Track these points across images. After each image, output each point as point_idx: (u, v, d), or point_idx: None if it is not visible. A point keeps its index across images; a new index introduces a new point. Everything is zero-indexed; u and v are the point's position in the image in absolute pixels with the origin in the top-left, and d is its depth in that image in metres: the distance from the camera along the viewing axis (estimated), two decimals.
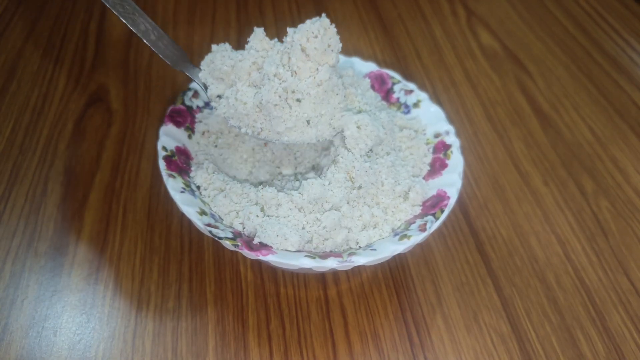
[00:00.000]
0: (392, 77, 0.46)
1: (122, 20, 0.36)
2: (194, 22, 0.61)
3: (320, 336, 0.37)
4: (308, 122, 0.35)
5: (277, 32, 0.60)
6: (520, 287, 0.40)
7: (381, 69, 0.47)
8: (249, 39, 0.36)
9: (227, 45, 0.37)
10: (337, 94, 0.35)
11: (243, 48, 0.59)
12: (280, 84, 0.34)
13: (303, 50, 0.34)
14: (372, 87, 0.46)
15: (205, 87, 0.38)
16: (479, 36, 0.63)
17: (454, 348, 0.37)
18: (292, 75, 0.34)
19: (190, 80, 0.52)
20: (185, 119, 0.42)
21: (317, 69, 0.34)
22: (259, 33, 0.36)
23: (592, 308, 0.39)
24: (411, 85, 0.45)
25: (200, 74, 0.38)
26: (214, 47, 0.37)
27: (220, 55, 0.36)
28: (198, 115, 0.42)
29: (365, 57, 0.57)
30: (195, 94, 0.43)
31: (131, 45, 0.57)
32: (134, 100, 0.51)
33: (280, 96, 0.34)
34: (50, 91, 0.51)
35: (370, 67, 0.47)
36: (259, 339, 0.36)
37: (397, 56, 0.59)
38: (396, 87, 0.46)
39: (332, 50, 0.34)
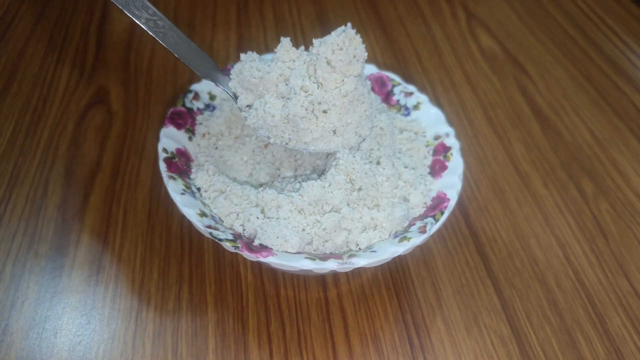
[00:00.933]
0: (392, 80, 0.46)
1: (151, 35, 0.37)
2: (195, 24, 0.61)
3: (320, 338, 0.37)
4: (334, 131, 0.35)
5: (276, 34, 0.61)
6: (520, 289, 0.40)
7: (381, 71, 0.47)
8: (276, 50, 0.36)
9: (254, 55, 0.37)
10: (362, 103, 0.35)
11: (244, 50, 0.59)
12: (307, 97, 0.34)
13: (328, 62, 0.34)
14: (372, 89, 0.46)
15: (235, 97, 0.38)
16: (479, 38, 0.63)
17: (454, 350, 0.37)
18: (318, 87, 0.34)
19: (191, 81, 0.53)
20: (185, 120, 0.42)
21: (343, 80, 0.34)
22: (285, 43, 0.36)
23: (592, 310, 0.39)
24: (411, 88, 0.45)
25: (230, 84, 0.38)
26: (242, 56, 0.37)
27: (248, 66, 0.36)
28: (198, 117, 0.43)
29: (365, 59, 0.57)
30: (196, 96, 0.43)
31: (132, 46, 0.57)
32: (135, 102, 0.51)
33: (306, 109, 0.34)
34: (51, 93, 0.51)
35: (371, 69, 0.47)
36: (259, 341, 0.36)
37: (397, 58, 0.59)
38: (396, 90, 0.46)
39: (357, 61, 0.34)
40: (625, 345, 0.38)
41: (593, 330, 0.38)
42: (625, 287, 0.41)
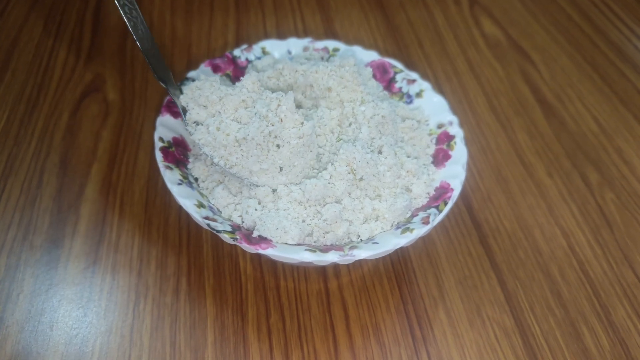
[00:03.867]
0: (394, 66, 0.45)
1: (124, 20, 0.37)
2: (192, 11, 0.60)
3: (320, 330, 0.36)
4: (281, 168, 0.35)
5: (276, 20, 0.59)
6: (524, 280, 0.40)
7: (383, 57, 0.46)
8: (242, 78, 0.38)
9: (216, 77, 0.38)
10: (311, 151, 0.36)
11: (241, 38, 0.58)
12: (267, 126, 0.35)
13: (294, 100, 0.35)
14: (374, 76, 0.45)
15: (184, 111, 0.38)
16: (482, 25, 0.62)
17: (457, 342, 0.36)
18: (278, 122, 0.35)
19: (188, 69, 0.52)
20: None
21: (302, 123, 0.35)
22: (253, 76, 0.37)
23: (596, 301, 0.39)
24: (413, 75, 0.44)
25: (181, 97, 0.38)
26: (202, 76, 0.38)
27: (209, 84, 0.37)
28: None
29: (367, 45, 0.56)
30: None
31: (128, 34, 0.56)
32: (131, 91, 0.50)
33: (264, 137, 0.34)
34: (45, 81, 0.50)
35: (372, 55, 0.46)
36: (259, 333, 0.36)
37: (398, 45, 0.58)
38: (398, 77, 0.45)
39: None
40: (630, 337, 0.37)
41: (597, 322, 0.38)
42: (630, 277, 0.40)
